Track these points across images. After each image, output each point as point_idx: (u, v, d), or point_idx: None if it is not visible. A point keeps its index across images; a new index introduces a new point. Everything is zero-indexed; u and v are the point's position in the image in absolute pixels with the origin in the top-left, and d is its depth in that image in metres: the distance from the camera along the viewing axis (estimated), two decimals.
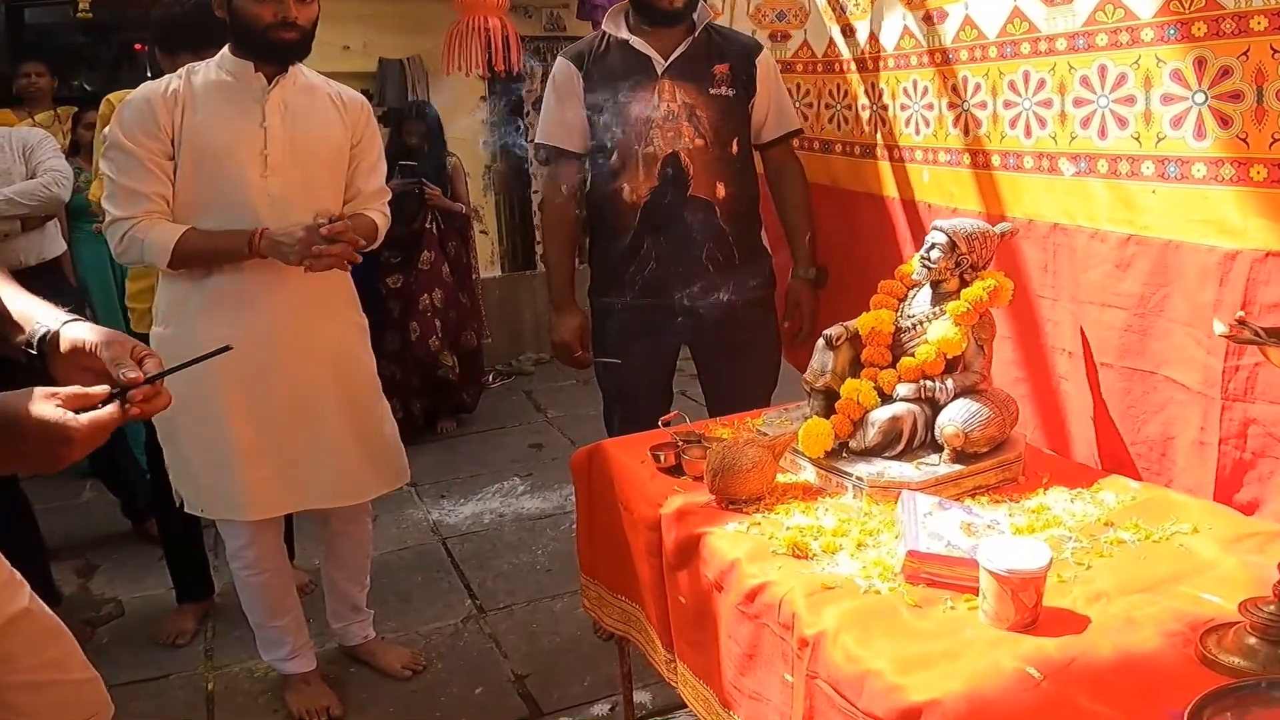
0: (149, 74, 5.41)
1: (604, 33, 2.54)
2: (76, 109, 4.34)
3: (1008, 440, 1.82)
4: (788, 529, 1.59)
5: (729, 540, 1.59)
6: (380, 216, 2.47)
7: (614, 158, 2.49)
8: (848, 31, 2.50)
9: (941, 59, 2.20)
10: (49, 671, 1.35)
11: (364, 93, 2.65)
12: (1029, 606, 1.23)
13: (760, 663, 1.46)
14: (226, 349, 1.26)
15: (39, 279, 3.10)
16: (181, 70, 2.28)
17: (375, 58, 5.67)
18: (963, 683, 1.13)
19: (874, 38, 2.40)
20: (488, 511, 3.80)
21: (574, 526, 3.47)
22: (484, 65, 4.98)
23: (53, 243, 3.58)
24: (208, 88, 2.23)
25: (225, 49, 2.27)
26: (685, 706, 2.35)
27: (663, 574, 1.75)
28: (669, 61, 2.47)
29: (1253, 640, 1.14)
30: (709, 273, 2.50)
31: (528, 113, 5.98)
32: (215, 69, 2.26)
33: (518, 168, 6.12)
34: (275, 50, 2.22)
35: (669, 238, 2.50)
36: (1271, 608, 1.13)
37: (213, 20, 2.27)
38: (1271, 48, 1.49)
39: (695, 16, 2.50)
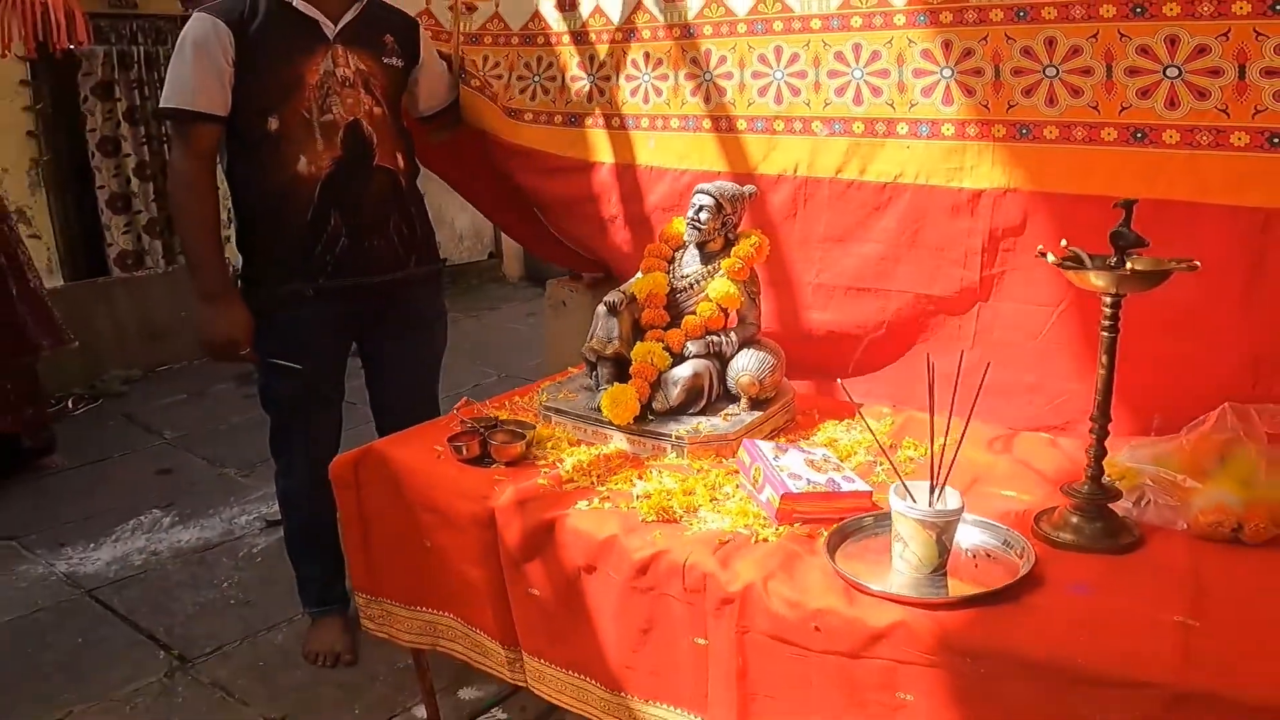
0: None
1: None
2: None
3: (783, 384, 1.98)
4: (640, 497, 1.58)
5: (592, 519, 1.54)
6: None
7: (279, 127, 2.23)
8: (566, 5, 2.50)
9: (682, 33, 2.30)
10: None
11: None
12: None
13: (659, 635, 1.44)
14: None
15: None
16: None
17: None
18: None
19: (600, 11, 2.43)
20: (135, 552, 3.23)
21: (252, 553, 3.16)
22: (31, 43, 4.12)
23: None
24: None
25: None
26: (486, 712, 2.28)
27: (501, 572, 1.64)
28: (339, 26, 2.28)
29: (1075, 518, 1.39)
30: (395, 245, 2.40)
31: (85, 99, 5.11)
32: None
33: (80, 163, 5.22)
34: None
35: (357, 211, 2.31)
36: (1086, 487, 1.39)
37: None
38: (1006, 35, 1.83)
39: None
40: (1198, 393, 1.64)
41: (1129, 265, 1.34)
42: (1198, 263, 1.31)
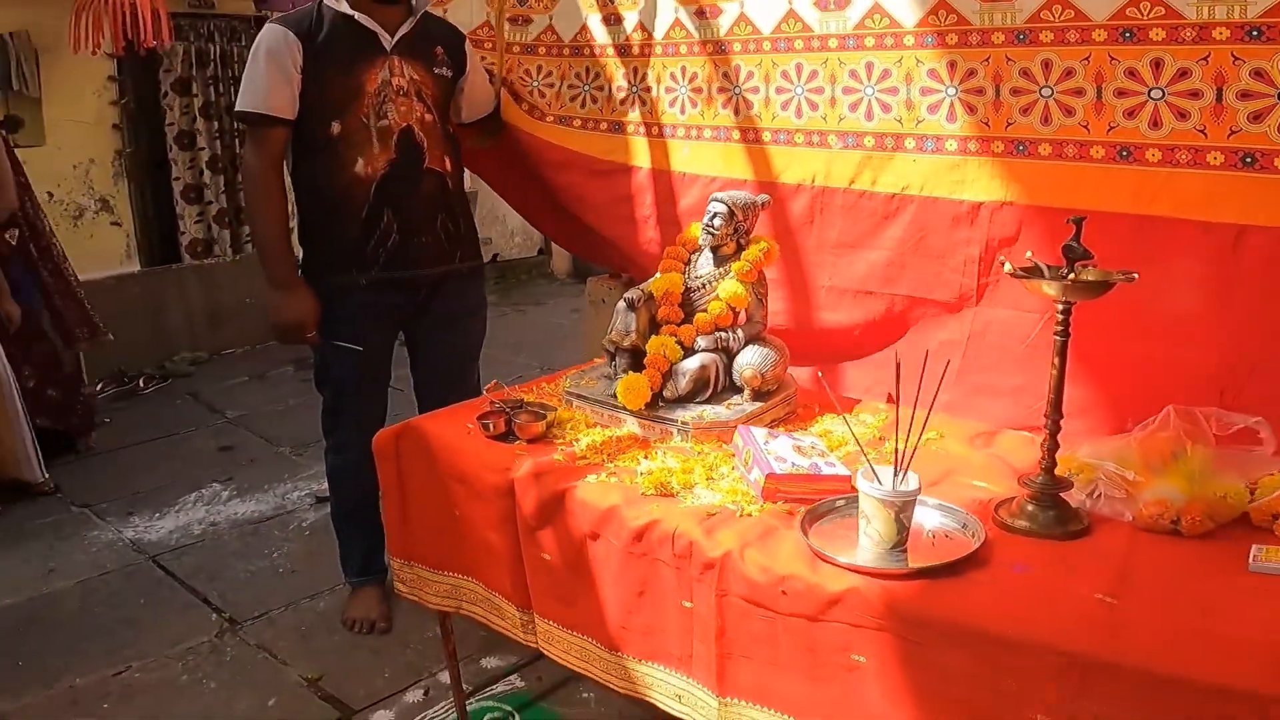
0: None
1: (318, 6, 2.46)
2: None
3: (785, 378, 2.12)
4: (643, 474, 1.74)
5: (598, 491, 1.70)
6: None
7: (340, 131, 2.45)
8: (611, 20, 2.67)
9: (715, 49, 2.46)
10: None
11: None
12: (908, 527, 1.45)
13: (651, 598, 1.60)
14: None
15: None
16: None
17: None
18: None
19: (642, 27, 2.60)
20: (195, 522, 3.48)
21: (301, 526, 3.39)
22: (119, 41, 4.43)
23: None
24: None
25: None
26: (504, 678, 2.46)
27: (517, 538, 1.82)
28: (396, 39, 2.48)
29: (1030, 506, 1.52)
30: (441, 242, 2.60)
31: (165, 94, 5.39)
32: None
33: (159, 155, 5.51)
34: None
35: (408, 210, 2.52)
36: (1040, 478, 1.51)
37: None
38: (1007, 56, 1.96)
39: (414, 1, 2.54)
40: (1173, 396, 1.73)
41: (1073, 276, 1.47)
42: (1135, 274, 1.43)
